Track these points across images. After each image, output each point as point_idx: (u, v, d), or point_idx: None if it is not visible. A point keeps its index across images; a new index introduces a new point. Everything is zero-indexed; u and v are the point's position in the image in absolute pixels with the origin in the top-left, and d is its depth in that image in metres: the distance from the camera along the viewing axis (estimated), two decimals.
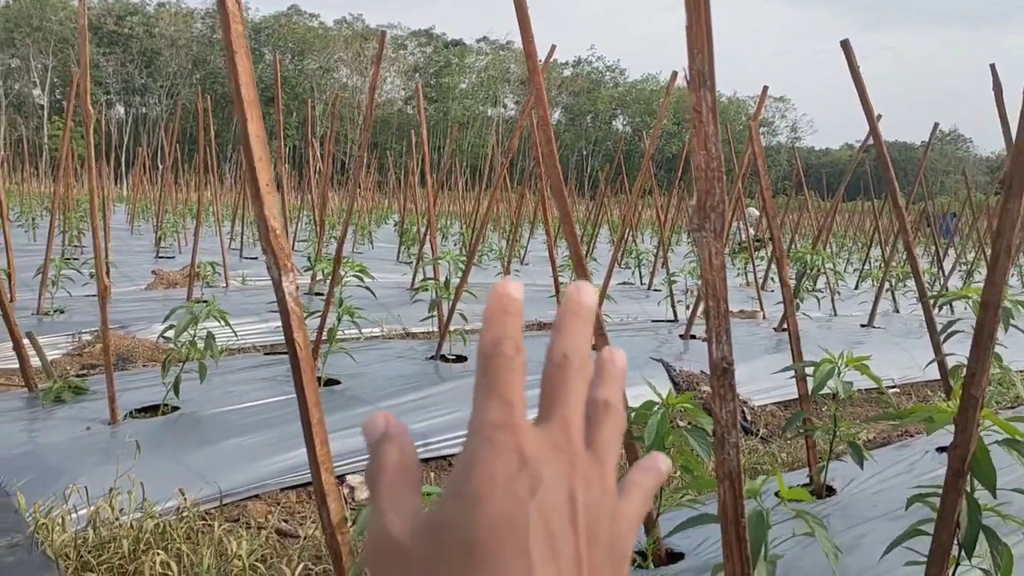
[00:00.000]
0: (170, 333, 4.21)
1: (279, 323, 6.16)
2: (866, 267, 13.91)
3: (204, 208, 12.24)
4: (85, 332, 6.61)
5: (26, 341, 4.76)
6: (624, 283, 11.80)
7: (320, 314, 5.02)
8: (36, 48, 63.68)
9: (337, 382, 5.02)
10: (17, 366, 5.74)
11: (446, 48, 77.48)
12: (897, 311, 10.50)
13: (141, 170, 22.86)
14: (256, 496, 3.75)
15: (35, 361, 5.11)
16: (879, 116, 4.09)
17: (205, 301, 7.18)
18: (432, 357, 5.78)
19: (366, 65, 69.94)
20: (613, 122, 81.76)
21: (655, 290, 10.93)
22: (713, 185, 1.43)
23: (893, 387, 6.42)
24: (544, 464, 0.41)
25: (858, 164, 8.03)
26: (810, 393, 3.35)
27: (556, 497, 0.40)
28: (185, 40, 67.24)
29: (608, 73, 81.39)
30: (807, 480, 3.77)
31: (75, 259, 9.00)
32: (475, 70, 77.39)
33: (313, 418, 2.10)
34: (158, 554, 2.97)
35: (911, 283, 11.16)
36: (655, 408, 2.74)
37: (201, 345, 4.24)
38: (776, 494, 2.40)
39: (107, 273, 7.84)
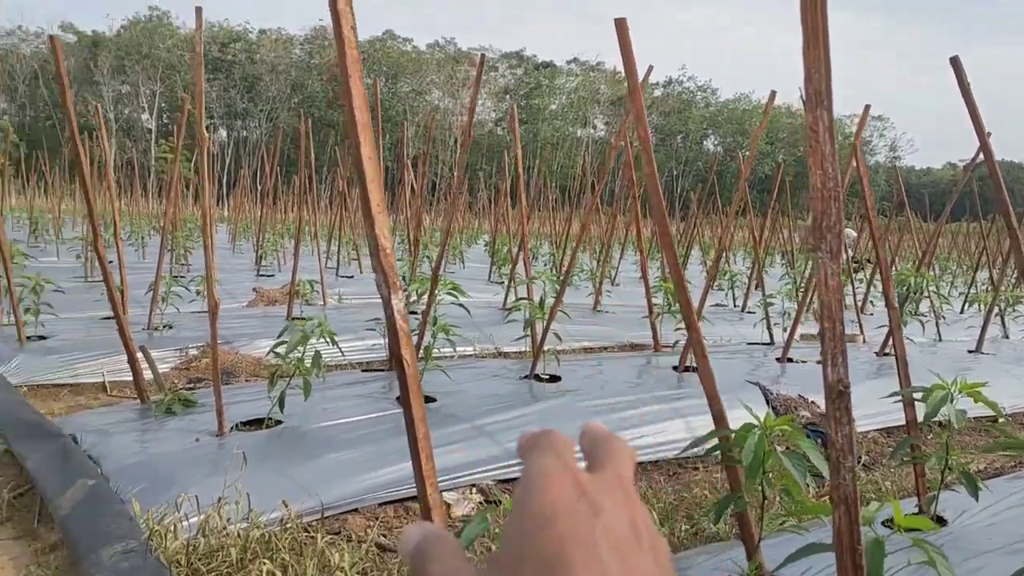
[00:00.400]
0: (281, 349, 4.34)
1: (376, 341, 6.32)
2: (972, 291, 13.39)
3: (302, 228, 12.62)
4: (192, 347, 6.86)
5: (139, 355, 4.97)
6: (717, 304, 11.64)
7: (417, 332, 5.10)
8: (145, 75, 66.66)
9: (433, 399, 5.09)
10: (130, 378, 6.03)
11: (536, 70, 78.00)
12: (1007, 336, 10.07)
13: (242, 191, 23.65)
14: (355, 510, 3.82)
15: (147, 374, 5.33)
16: (989, 134, 3.95)
17: (305, 318, 7.40)
18: (526, 376, 5.80)
19: (457, 87, 70.98)
20: (704, 142, 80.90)
21: (749, 312, 10.74)
22: (829, 205, 1.41)
23: (1004, 416, 6.14)
24: (602, 495, 0.42)
25: (964, 184, 7.75)
26: (921, 420, 3.24)
27: (619, 522, 0.41)
28: (284, 66, 69.43)
29: (699, 93, 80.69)
30: (916, 510, 3.64)
31: (181, 277, 9.36)
32: (565, 91, 77.67)
33: (419, 433, 2.14)
34: (264, 563, 3.06)
35: (1022, 308, 10.68)
36: (753, 430, 2.69)
37: (308, 363, 4.35)
38: (884, 523, 2.33)
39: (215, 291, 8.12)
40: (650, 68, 5.04)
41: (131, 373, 5.18)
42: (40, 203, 23.20)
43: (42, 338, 6.75)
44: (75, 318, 7.69)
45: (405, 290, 7.82)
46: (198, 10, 3.74)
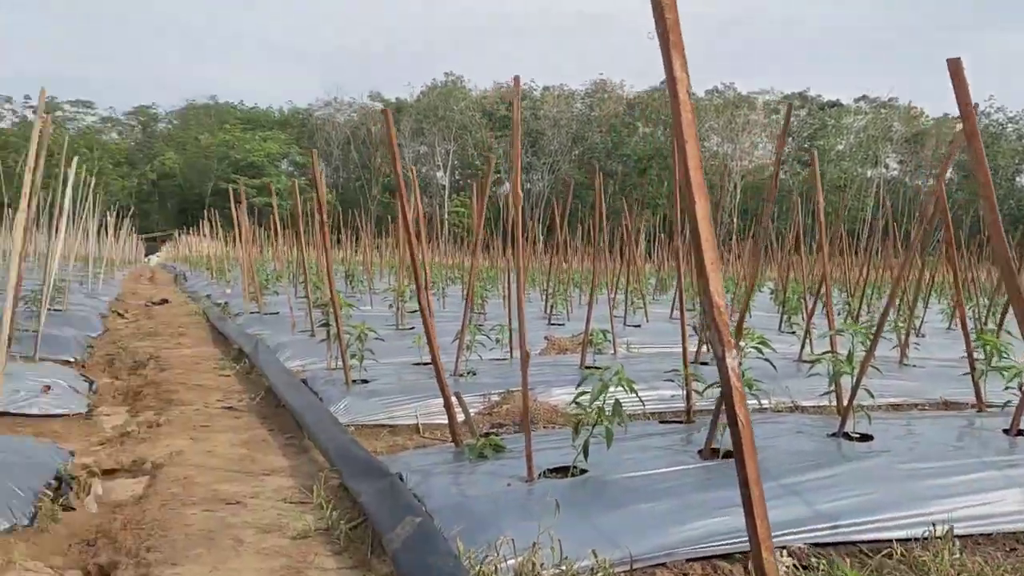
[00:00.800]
0: (583, 399, 4.46)
1: (672, 392, 6.28)
2: None
3: (584, 277, 12.94)
4: (493, 393, 7.21)
5: (454, 400, 5.30)
6: None
7: (719, 384, 5.02)
8: (440, 135, 71.98)
9: None
10: (439, 421, 6.45)
11: (821, 110, 74.81)
12: None
13: (531, 242, 24.65)
14: (663, 564, 3.80)
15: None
16: None
17: (598, 367, 7.52)
18: (833, 434, 5.49)
19: (737, 132, 69.75)
20: (1017, 178, 73.26)
21: None
22: None
23: None
24: None
25: None
26: None
27: None
28: (566, 120, 72.04)
29: (1010, 124, 73.31)
30: None
31: (480, 325, 9.89)
32: (853, 130, 73.81)
33: (754, 494, 2.11)
34: None
35: None
36: None
37: (609, 411, 4.43)
38: None
39: (510, 340, 8.49)
40: (975, 105, 4.67)
41: (446, 417, 5.55)
42: (351, 256, 25.61)
43: (365, 382, 7.40)
44: (390, 363, 8.34)
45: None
46: (516, 78, 4.00)
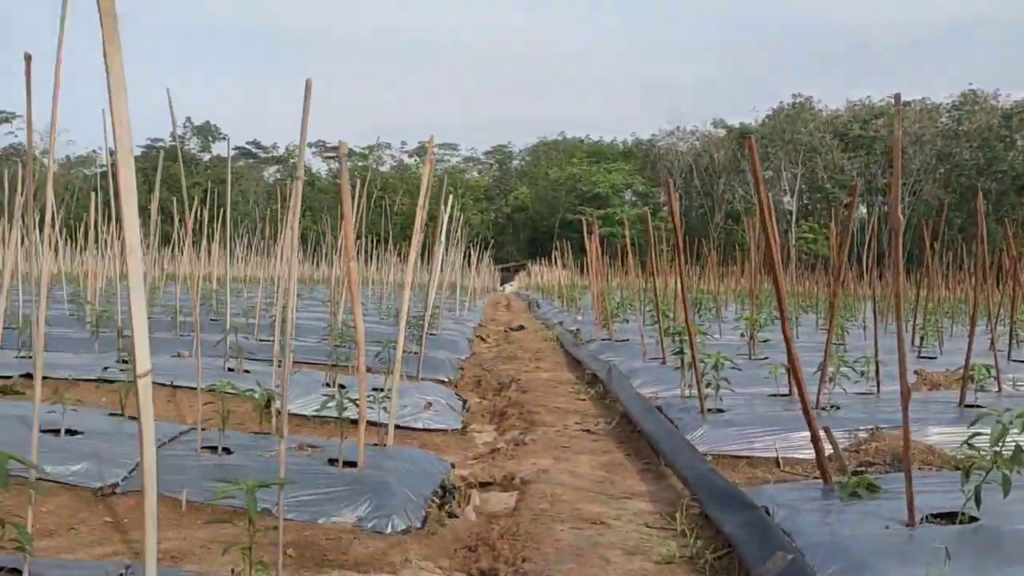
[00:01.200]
0: (976, 440, 4.07)
1: None
2: None
3: (955, 306, 11.77)
4: (860, 429, 6.78)
5: (821, 434, 5.07)
6: None
7: None
8: (787, 159, 69.44)
9: None
10: (801, 456, 6.20)
11: None
12: None
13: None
14: None
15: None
16: None
17: (979, 406, 6.80)
18: None
19: None
20: None
21: None
22: None
23: None
24: None
25: None
26: None
27: None
28: (930, 136, 66.14)
29: None
30: None
31: (841, 357, 9.37)
32: None
33: None
34: None
35: None
36: None
37: (1008, 455, 3.99)
38: None
39: (877, 373, 7.95)
40: None
41: (807, 451, 5.34)
42: (696, 284, 25.45)
43: (720, 411, 7.31)
44: (743, 393, 8.15)
45: None
46: (897, 96, 3.77)
